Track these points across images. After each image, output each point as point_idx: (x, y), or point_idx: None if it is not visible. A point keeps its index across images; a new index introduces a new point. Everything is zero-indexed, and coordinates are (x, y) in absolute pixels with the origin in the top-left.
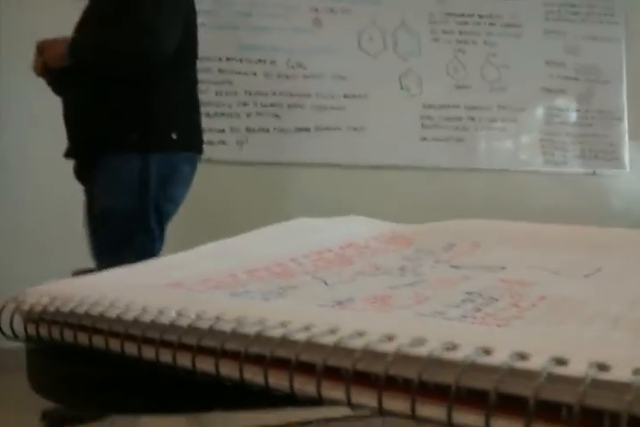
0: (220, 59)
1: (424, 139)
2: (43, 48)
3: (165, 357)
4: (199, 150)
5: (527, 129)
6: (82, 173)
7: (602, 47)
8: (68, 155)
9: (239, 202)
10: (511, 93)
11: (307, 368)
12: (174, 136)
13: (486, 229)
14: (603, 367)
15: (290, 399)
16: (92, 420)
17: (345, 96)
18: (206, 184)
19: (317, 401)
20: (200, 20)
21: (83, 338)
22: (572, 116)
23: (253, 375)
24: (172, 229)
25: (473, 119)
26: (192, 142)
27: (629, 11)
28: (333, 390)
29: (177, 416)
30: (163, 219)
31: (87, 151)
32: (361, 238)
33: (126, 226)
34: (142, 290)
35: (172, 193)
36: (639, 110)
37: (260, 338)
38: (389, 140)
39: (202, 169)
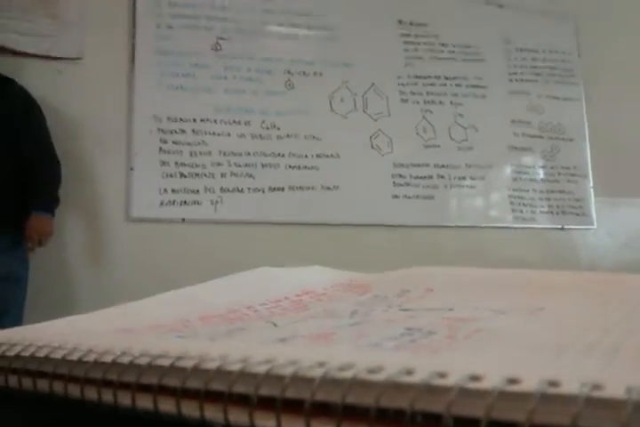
0: (194, 120)
1: (395, 196)
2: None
3: (107, 396)
4: None
5: (495, 186)
6: None
7: (564, 106)
8: None
9: (213, 261)
10: (479, 152)
11: (243, 400)
12: None
13: (440, 275)
14: (513, 381)
15: None
16: None
17: (318, 156)
18: (181, 244)
19: None
20: (178, 82)
21: (27, 383)
22: (539, 173)
23: (191, 410)
24: (150, 289)
25: (443, 177)
26: None
27: (587, 72)
28: (266, 420)
29: None
30: None
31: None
32: (319, 287)
33: None
34: (91, 335)
35: None
36: (603, 167)
37: (197, 372)
38: (362, 198)
39: (177, 229)
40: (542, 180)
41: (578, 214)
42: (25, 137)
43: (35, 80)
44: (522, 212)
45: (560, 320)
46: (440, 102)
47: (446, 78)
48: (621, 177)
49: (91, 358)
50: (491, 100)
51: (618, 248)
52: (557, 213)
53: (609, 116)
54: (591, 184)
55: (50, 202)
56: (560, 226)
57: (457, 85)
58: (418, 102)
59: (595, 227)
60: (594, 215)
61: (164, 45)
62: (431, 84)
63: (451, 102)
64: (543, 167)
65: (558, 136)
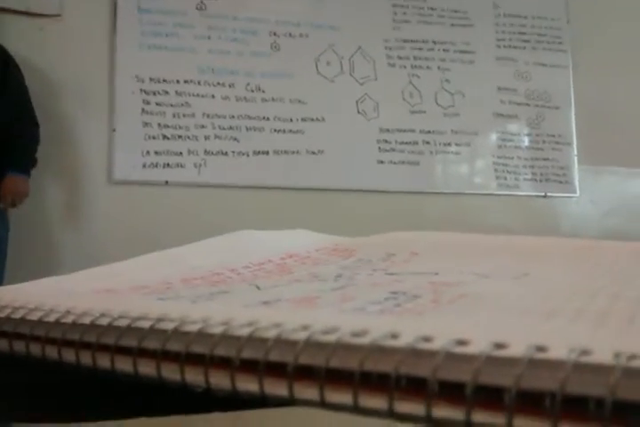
0: (177, 81)
1: (381, 162)
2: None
3: (86, 358)
4: None
5: (480, 153)
6: None
7: (551, 73)
8: None
9: (197, 225)
10: (465, 118)
11: (224, 363)
12: None
13: (425, 239)
14: (500, 346)
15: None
16: None
17: (303, 120)
18: (164, 207)
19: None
20: (160, 42)
21: (3, 344)
22: (524, 141)
23: (172, 373)
24: (132, 252)
25: (428, 143)
26: None
27: (576, 39)
28: (248, 383)
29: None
30: None
31: None
32: (303, 250)
33: None
34: (71, 296)
35: None
36: (588, 136)
37: (178, 334)
38: (347, 163)
39: (160, 192)
40: (527, 147)
41: (561, 182)
42: (1, 96)
43: (14, 38)
44: (506, 179)
45: (546, 285)
46: (427, 67)
47: (434, 43)
48: (605, 146)
49: (69, 319)
50: (478, 65)
51: (600, 216)
52: (541, 181)
53: (595, 85)
54: (575, 152)
55: (26, 163)
56: (543, 193)
57: (444, 50)
58: (405, 67)
59: (577, 195)
60: (577, 183)
61: (146, 3)
62: (419, 49)
63: (438, 67)
64: (528, 135)
65: (544, 104)
